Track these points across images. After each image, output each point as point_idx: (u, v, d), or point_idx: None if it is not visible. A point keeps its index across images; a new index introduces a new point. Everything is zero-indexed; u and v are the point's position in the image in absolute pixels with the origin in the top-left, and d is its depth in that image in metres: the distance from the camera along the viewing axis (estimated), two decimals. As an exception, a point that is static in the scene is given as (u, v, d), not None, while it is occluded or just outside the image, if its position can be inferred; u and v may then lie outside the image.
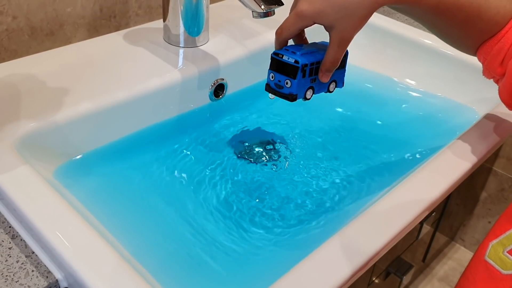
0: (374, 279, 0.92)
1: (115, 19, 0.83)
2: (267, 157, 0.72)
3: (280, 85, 0.53)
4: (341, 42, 0.51)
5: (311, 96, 0.54)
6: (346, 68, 0.58)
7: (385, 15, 0.96)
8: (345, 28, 0.50)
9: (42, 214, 0.49)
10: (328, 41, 0.53)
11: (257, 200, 0.65)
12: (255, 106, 0.82)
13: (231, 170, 0.69)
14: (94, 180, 0.63)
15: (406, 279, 0.99)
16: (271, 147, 0.73)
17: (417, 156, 0.73)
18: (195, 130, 0.74)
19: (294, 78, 0.51)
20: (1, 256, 0.48)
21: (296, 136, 0.76)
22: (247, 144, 0.73)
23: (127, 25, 0.85)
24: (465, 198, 1.44)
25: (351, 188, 0.67)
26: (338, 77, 0.57)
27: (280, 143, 0.74)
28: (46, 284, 0.46)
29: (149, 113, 0.70)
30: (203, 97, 0.76)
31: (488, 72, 0.60)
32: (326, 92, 0.56)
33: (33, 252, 0.49)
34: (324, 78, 0.54)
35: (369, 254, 0.50)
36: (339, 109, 0.84)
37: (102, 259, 0.46)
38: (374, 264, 0.82)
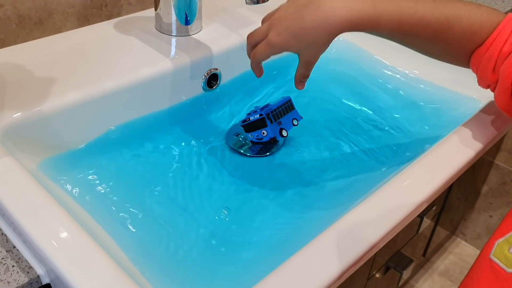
0: (374, 273, 0.91)
1: (106, 8, 0.81)
2: (262, 149, 0.70)
3: (260, 137, 0.68)
4: (307, 64, 0.58)
5: (287, 134, 0.69)
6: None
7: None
8: (309, 54, 0.57)
9: (24, 208, 0.47)
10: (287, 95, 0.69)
11: (254, 193, 0.63)
12: (250, 97, 0.80)
13: (225, 163, 0.67)
14: (81, 172, 0.61)
15: (406, 274, 0.98)
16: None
17: (416, 146, 0.71)
18: (187, 122, 0.72)
19: (266, 126, 0.66)
20: (-19, 251, 0.46)
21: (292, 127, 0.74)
22: (241, 136, 0.72)
23: (118, 14, 0.83)
24: (466, 191, 1.43)
25: (348, 179, 0.66)
26: (296, 116, 0.71)
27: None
28: (27, 279, 0.45)
29: (140, 104, 0.68)
30: (196, 87, 0.74)
31: (482, 81, 0.61)
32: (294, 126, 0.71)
33: (14, 247, 0.47)
34: (300, 86, 0.62)
35: (366, 246, 0.48)
36: (338, 98, 0.82)
37: (85, 254, 0.44)
38: (374, 259, 0.81)
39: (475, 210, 1.45)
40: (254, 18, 0.82)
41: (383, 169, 0.67)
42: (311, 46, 0.55)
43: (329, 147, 0.71)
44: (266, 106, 0.70)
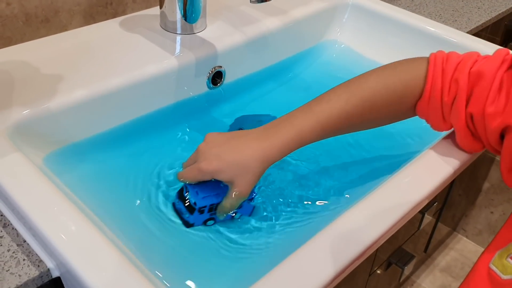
0: (375, 269, 0.92)
1: (111, 6, 0.82)
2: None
3: (182, 211, 0.58)
4: (238, 195, 0.55)
5: (213, 223, 0.58)
6: (255, 196, 0.62)
7: (386, 2, 0.95)
8: (241, 184, 0.54)
9: (34, 202, 0.48)
10: None
11: (255, 193, 0.64)
12: (254, 94, 0.80)
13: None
14: (87, 168, 0.62)
15: (407, 270, 0.98)
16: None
17: (418, 143, 0.72)
18: (192, 119, 0.73)
19: (192, 214, 0.56)
20: (-8, 244, 0.47)
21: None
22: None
23: (124, 12, 0.84)
24: (468, 188, 1.43)
25: (349, 176, 0.66)
26: (245, 209, 0.60)
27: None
28: (37, 273, 0.46)
29: (144, 101, 0.69)
30: (201, 85, 0.75)
31: (437, 128, 0.61)
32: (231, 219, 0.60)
33: (25, 241, 0.48)
34: (221, 217, 0.58)
35: (367, 243, 0.49)
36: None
37: (95, 248, 0.45)
38: (375, 254, 0.81)
39: (476, 207, 1.45)
40: (258, 16, 0.83)
41: (384, 166, 0.68)
42: (243, 175, 0.54)
43: (329, 147, 0.72)
44: (215, 190, 0.57)
